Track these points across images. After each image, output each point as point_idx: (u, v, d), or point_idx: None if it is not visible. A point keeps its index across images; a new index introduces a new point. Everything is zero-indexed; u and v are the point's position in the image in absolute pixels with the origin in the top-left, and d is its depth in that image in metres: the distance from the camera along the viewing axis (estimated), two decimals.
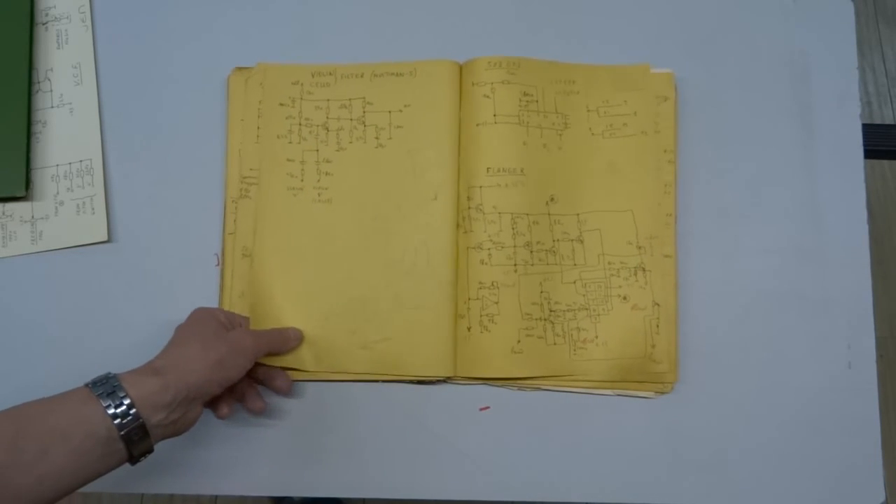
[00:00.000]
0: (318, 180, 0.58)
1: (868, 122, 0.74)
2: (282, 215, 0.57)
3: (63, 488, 0.41)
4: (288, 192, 0.58)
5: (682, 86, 0.60)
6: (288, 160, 0.58)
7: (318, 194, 0.58)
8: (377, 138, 0.58)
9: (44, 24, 0.63)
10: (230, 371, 0.48)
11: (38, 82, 0.61)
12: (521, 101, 0.58)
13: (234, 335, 0.50)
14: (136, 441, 0.43)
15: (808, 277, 0.56)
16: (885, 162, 1.34)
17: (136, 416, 0.42)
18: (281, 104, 0.59)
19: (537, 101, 0.58)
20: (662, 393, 0.55)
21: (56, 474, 0.40)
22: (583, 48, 0.61)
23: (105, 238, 0.58)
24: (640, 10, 0.62)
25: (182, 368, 0.46)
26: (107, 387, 0.43)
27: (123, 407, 0.42)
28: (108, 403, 0.42)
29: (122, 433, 0.42)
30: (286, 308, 0.56)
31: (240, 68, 0.61)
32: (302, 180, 0.58)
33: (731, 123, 0.59)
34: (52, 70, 0.62)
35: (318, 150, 0.58)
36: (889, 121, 1.37)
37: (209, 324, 0.51)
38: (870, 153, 0.60)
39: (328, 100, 0.59)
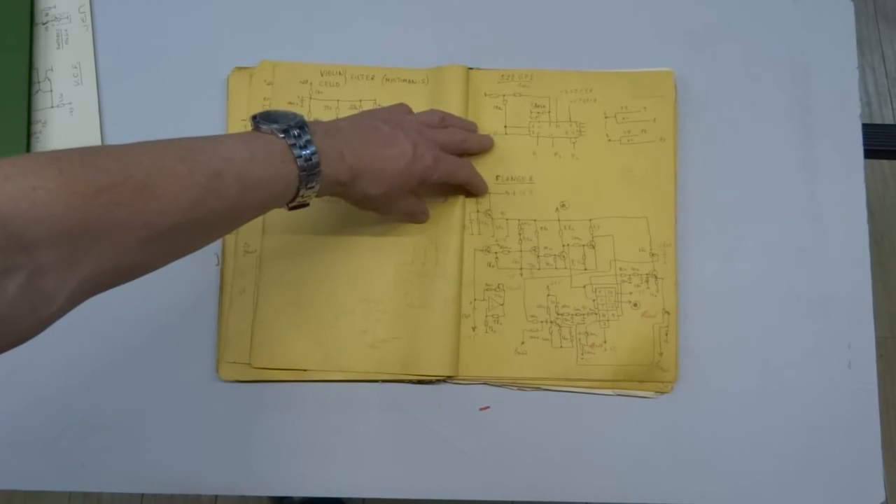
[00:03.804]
0: None
1: (868, 122, 0.73)
2: (290, 213, 0.57)
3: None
4: None
5: (682, 86, 0.60)
6: None
7: None
8: None
9: (44, 24, 0.63)
10: None
11: (38, 82, 0.61)
12: (531, 112, 0.59)
13: None
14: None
15: (808, 277, 0.56)
16: (885, 162, 1.34)
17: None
18: (290, 103, 0.59)
19: (549, 112, 0.59)
20: (662, 392, 0.55)
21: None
22: (580, 49, 0.61)
23: None
24: (640, 10, 0.62)
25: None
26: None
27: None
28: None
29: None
30: (296, 308, 0.56)
31: (240, 68, 0.60)
32: None
33: (731, 123, 0.59)
34: (52, 70, 0.62)
35: None
36: (889, 121, 1.37)
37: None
38: (870, 153, 0.60)
39: (338, 100, 0.59)
